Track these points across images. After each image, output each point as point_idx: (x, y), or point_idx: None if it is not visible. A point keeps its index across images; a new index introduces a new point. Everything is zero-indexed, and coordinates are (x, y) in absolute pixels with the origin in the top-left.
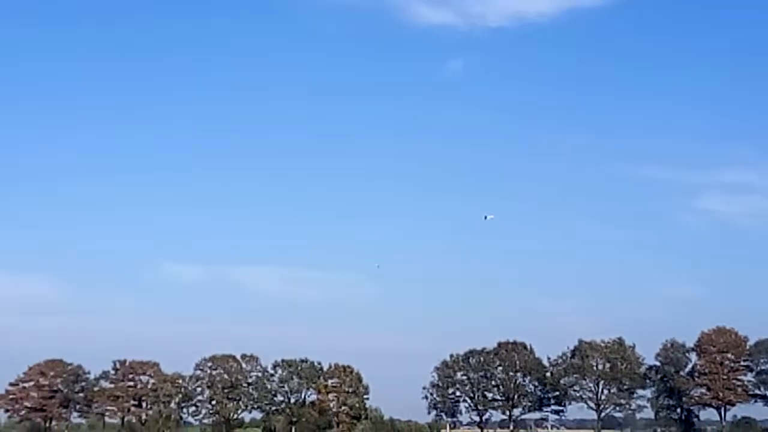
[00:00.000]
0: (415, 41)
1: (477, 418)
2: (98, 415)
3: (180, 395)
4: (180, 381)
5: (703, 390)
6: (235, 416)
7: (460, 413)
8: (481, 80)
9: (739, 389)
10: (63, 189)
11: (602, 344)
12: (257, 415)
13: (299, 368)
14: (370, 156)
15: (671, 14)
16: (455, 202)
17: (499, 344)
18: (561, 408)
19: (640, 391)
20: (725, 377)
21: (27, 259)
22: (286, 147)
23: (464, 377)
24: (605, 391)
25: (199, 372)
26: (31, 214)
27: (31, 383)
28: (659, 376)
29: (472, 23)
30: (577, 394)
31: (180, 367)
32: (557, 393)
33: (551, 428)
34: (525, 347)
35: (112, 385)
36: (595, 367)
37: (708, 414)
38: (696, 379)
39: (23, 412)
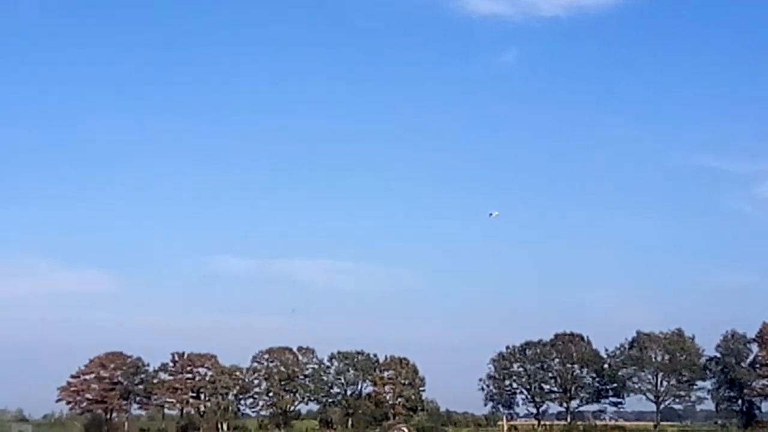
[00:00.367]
0: (468, 32)
1: (534, 410)
2: (158, 406)
3: (237, 387)
4: (237, 373)
5: (765, 381)
6: (292, 408)
7: (517, 405)
8: (534, 71)
9: None
10: (118, 184)
11: (661, 335)
12: (314, 407)
13: (355, 360)
14: (419, 149)
15: (731, 5)
16: (509, 193)
17: (556, 336)
18: (619, 400)
19: (700, 383)
20: None
21: (86, 254)
22: (337, 141)
23: (521, 369)
24: (664, 383)
25: (256, 364)
26: (89, 209)
27: (92, 375)
28: (719, 368)
29: (526, 13)
30: (636, 386)
31: (237, 359)
32: (615, 385)
33: (609, 420)
34: (582, 339)
35: (171, 378)
36: (653, 359)
37: None
38: (757, 370)
39: (84, 404)
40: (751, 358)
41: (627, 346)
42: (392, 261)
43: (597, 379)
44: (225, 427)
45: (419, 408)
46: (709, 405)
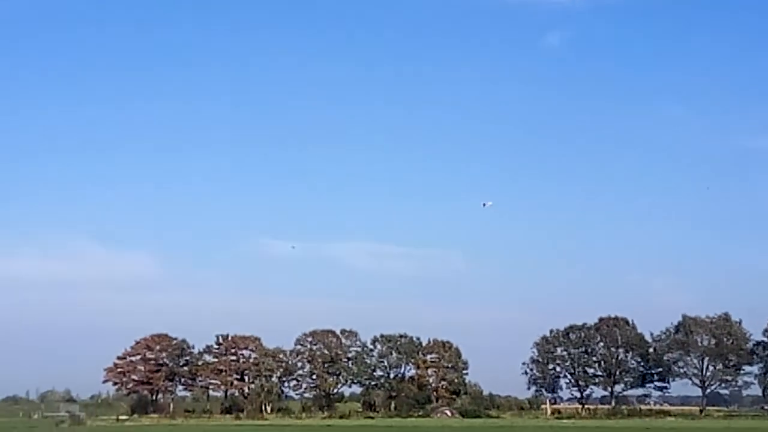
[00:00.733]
0: (513, 14)
1: (578, 394)
2: (202, 388)
3: (281, 369)
4: (281, 355)
5: None
6: (335, 390)
7: (561, 389)
8: (578, 53)
9: None
10: (164, 167)
11: (707, 320)
12: (357, 389)
13: (398, 343)
14: (463, 132)
15: None
16: (553, 175)
17: (600, 319)
18: (664, 384)
19: (747, 368)
20: None
21: (133, 237)
22: (381, 125)
23: (564, 353)
24: (710, 368)
25: (299, 347)
26: (132, 191)
27: (138, 357)
28: (767, 353)
29: None
30: (681, 371)
31: (281, 341)
32: (660, 369)
33: (654, 405)
34: (627, 323)
35: (216, 360)
36: (699, 343)
37: None
38: None
39: (130, 385)
40: None
41: (673, 330)
42: (436, 244)
43: (642, 363)
44: (269, 409)
45: (462, 391)
46: (756, 390)
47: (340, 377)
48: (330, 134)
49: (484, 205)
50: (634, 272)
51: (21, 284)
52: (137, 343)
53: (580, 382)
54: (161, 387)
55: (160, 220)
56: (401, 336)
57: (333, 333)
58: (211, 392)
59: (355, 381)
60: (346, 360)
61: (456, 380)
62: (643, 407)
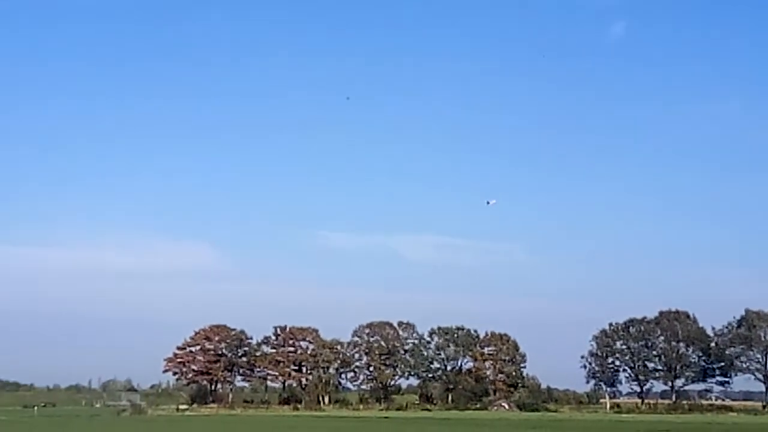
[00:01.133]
0: (578, 3)
1: (637, 389)
2: (260, 379)
3: (338, 361)
4: (338, 347)
5: None
6: (392, 382)
7: (620, 383)
8: (642, 44)
9: None
10: (225, 159)
11: None
12: (414, 381)
13: (455, 336)
14: (523, 121)
15: None
16: (615, 166)
17: (661, 313)
18: (726, 379)
19: None
20: None
21: (191, 227)
22: (443, 118)
23: (624, 346)
24: None
25: (356, 338)
26: (193, 182)
27: (197, 347)
28: None
29: None
30: (744, 366)
31: (338, 333)
32: (722, 364)
33: (716, 400)
34: (688, 316)
35: (274, 351)
36: (763, 338)
37: None
38: None
39: (190, 375)
40: None
41: (735, 325)
42: (495, 236)
43: (703, 357)
44: (326, 400)
45: (520, 384)
46: None
47: (397, 369)
48: (391, 129)
49: (488, 203)
50: (695, 265)
51: (83, 276)
52: (196, 333)
53: (640, 377)
54: (220, 377)
55: (220, 211)
56: (458, 328)
57: (390, 325)
58: (269, 383)
59: (412, 373)
60: (403, 352)
61: (514, 373)
62: (704, 402)
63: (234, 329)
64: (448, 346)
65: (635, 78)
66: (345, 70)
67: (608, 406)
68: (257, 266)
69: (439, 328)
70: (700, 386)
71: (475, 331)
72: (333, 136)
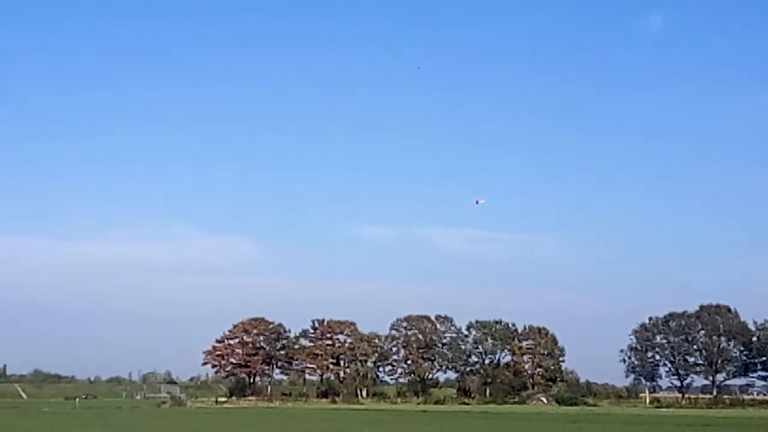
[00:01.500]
0: None
1: (677, 383)
2: (298, 372)
3: (376, 354)
4: (376, 340)
5: None
6: (430, 376)
7: (660, 377)
8: (680, 34)
9: None
10: (264, 153)
11: None
12: (452, 375)
13: (493, 329)
14: (567, 111)
15: None
16: (652, 157)
17: (701, 307)
18: None
19: None
20: None
21: (229, 222)
22: (476, 112)
23: (664, 341)
24: None
25: (394, 332)
26: (231, 177)
27: (236, 340)
28: None
29: None
30: None
31: (375, 326)
32: (765, 358)
33: (757, 395)
34: (729, 310)
35: (312, 344)
36: None
37: None
38: None
39: (229, 367)
40: None
41: None
42: (535, 229)
43: (745, 352)
44: (364, 393)
45: (558, 378)
46: None
47: (435, 363)
48: (426, 122)
49: (477, 202)
50: (736, 259)
51: (123, 269)
52: (235, 326)
53: (680, 371)
54: (258, 370)
55: (258, 206)
56: (496, 322)
57: (428, 318)
58: (307, 376)
59: (450, 367)
60: (440, 346)
61: (552, 367)
62: (746, 397)
63: (272, 322)
64: (486, 340)
65: (673, 70)
66: (377, 61)
67: (648, 400)
68: (295, 260)
69: (477, 322)
70: (742, 381)
71: (513, 325)
72: (369, 130)
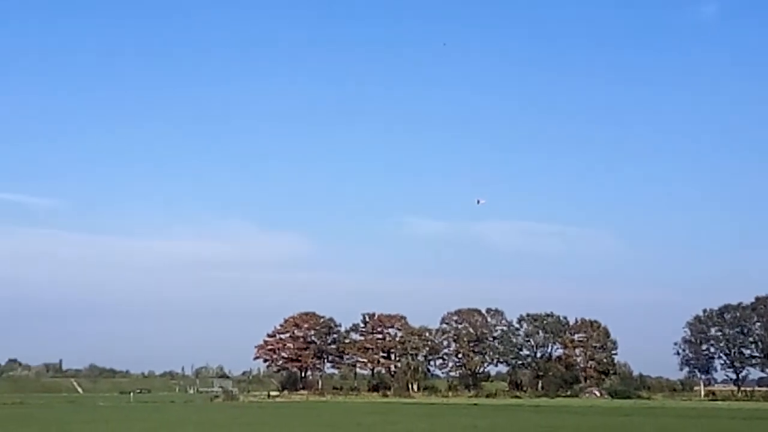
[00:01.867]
0: None
1: (733, 376)
2: (349, 366)
3: (427, 348)
4: (426, 334)
5: None
6: (481, 369)
7: (715, 370)
8: (734, 24)
9: None
10: (314, 149)
11: None
12: (503, 368)
13: (544, 322)
14: (623, 101)
15: None
16: (706, 147)
17: (757, 299)
18: None
19: None
20: None
21: (283, 217)
22: (532, 100)
23: (719, 333)
24: None
25: (445, 325)
26: (283, 174)
27: (287, 334)
28: None
29: None
30: None
31: (426, 320)
32: None
33: None
34: None
35: (362, 338)
36: None
37: None
38: None
39: (280, 362)
40: None
41: None
42: (588, 222)
43: None
44: (415, 387)
45: (611, 371)
46: None
47: (486, 356)
48: (480, 118)
49: (478, 202)
50: None
51: (176, 266)
52: (286, 321)
53: (736, 364)
54: (309, 364)
55: (309, 202)
56: (547, 315)
57: (478, 312)
58: (358, 370)
59: (501, 360)
60: (491, 339)
61: (605, 360)
62: None
63: (323, 317)
64: (538, 333)
65: (733, 60)
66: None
67: (703, 393)
68: (345, 255)
69: (528, 315)
70: None
71: (565, 318)
72: (419, 125)
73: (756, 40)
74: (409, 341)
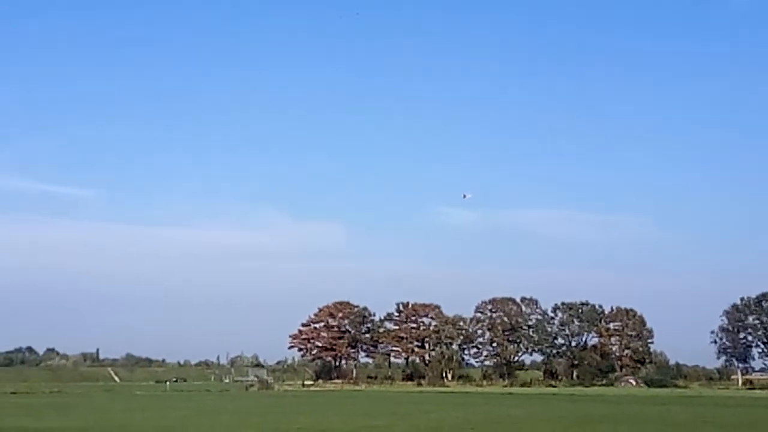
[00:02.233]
0: None
1: None
2: (384, 355)
3: (461, 337)
4: (461, 323)
5: None
6: (516, 358)
7: (752, 359)
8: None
9: None
10: (347, 137)
11: None
12: (537, 357)
13: (579, 311)
14: (650, 95)
15: None
16: (737, 138)
17: None
18: None
19: None
20: None
21: (317, 206)
22: (565, 96)
23: (756, 321)
24: None
25: (479, 314)
26: (316, 162)
27: (322, 324)
28: None
29: None
30: None
31: (460, 309)
32: None
33: None
34: None
35: (396, 327)
36: None
37: None
38: None
39: (314, 351)
40: None
41: None
42: (625, 210)
43: None
44: (449, 376)
45: (647, 360)
46: None
47: (521, 345)
48: (512, 104)
49: (464, 196)
50: None
51: (211, 255)
52: (320, 310)
53: None
54: (344, 353)
55: (343, 191)
56: (582, 304)
57: (513, 301)
58: (392, 359)
59: (536, 349)
60: (526, 328)
61: (640, 349)
62: None
63: (357, 306)
64: (573, 322)
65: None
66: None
67: (740, 382)
68: (379, 244)
69: (563, 304)
70: None
71: (600, 307)
72: (452, 114)
73: None
74: (444, 330)
